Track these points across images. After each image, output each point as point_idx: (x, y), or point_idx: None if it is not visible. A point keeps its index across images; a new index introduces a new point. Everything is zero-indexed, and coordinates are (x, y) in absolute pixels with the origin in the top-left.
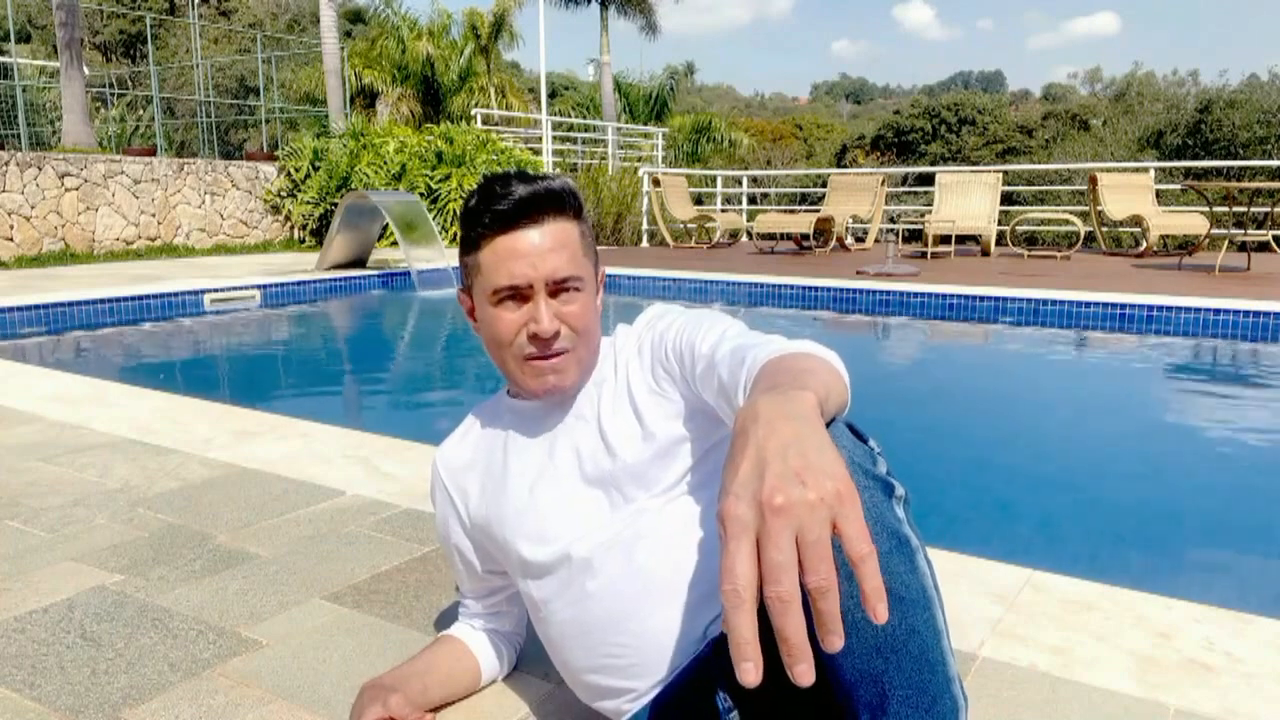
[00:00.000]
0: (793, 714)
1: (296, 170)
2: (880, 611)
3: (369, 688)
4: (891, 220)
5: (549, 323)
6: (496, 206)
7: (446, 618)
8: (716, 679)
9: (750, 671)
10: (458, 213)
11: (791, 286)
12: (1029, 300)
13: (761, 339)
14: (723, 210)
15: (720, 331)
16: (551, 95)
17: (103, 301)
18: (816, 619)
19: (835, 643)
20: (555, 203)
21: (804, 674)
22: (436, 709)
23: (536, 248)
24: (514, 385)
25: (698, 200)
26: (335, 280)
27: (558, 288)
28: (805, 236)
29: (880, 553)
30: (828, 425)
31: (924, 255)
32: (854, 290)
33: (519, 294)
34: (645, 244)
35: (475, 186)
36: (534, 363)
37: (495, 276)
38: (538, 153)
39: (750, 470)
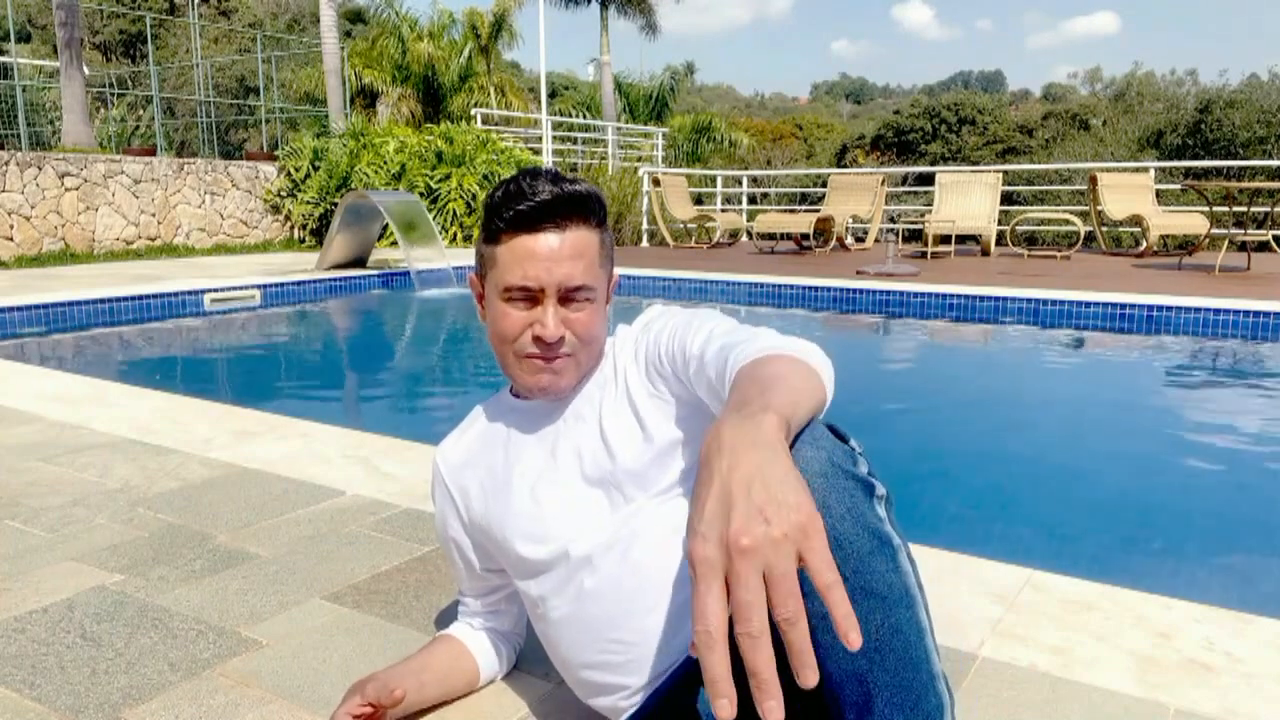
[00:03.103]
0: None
1: (296, 170)
2: (853, 639)
3: (357, 682)
4: (891, 220)
5: (554, 328)
6: (520, 205)
7: (446, 617)
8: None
9: (725, 708)
10: (458, 213)
11: (791, 286)
12: (1029, 300)
13: (747, 335)
14: (723, 210)
15: (709, 330)
16: (551, 95)
17: (103, 301)
18: (790, 652)
19: (810, 678)
20: (579, 209)
21: (773, 711)
22: (434, 707)
23: (554, 253)
24: (511, 381)
25: (698, 200)
26: (335, 280)
27: (568, 295)
28: (805, 236)
29: (862, 553)
30: (806, 427)
31: (924, 255)
32: (854, 290)
33: (529, 295)
34: (645, 244)
35: (505, 178)
36: (533, 360)
37: (508, 275)
38: (538, 152)
39: (715, 508)
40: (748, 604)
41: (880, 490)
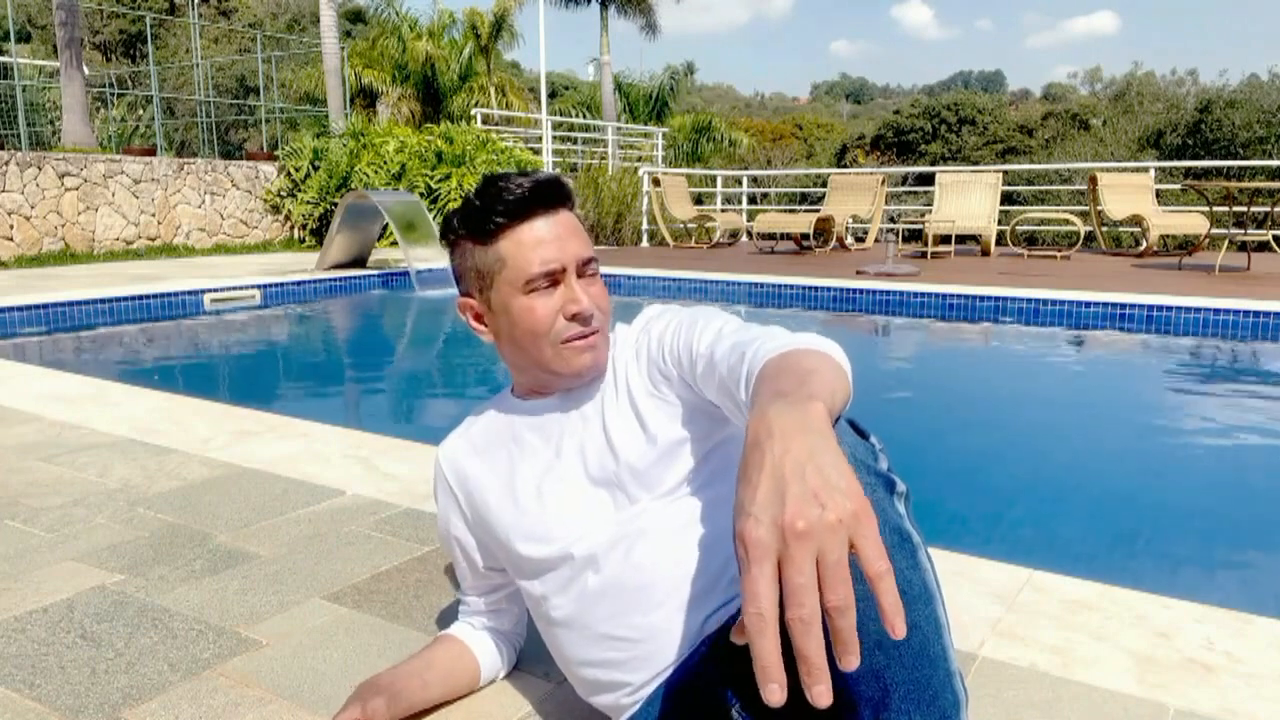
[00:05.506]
0: (798, 710)
1: (296, 170)
2: (899, 627)
3: (362, 686)
4: (891, 220)
5: (589, 300)
6: (510, 197)
7: (446, 617)
8: (718, 675)
9: (775, 692)
10: None
11: (791, 286)
12: (1029, 300)
13: (760, 333)
14: (723, 210)
15: (717, 329)
16: (552, 95)
17: (103, 301)
18: (834, 637)
19: (852, 662)
20: (560, 190)
21: (822, 695)
22: (435, 707)
23: (558, 232)
24: (548, 374)
25: (698, 200)
26: (335, 280)
27: (582, 269)
28: (805, 236)
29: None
30: (834, 422)
31: (924, 255)
32: (854, 290)
33: (552, 280)
34: (645, 244)
35: (470, 193)
36: (574, 344)
37: (526, 266)
38: (538, 152)
39: (769, 491)
40: (801, 588)
41: (900, 487)
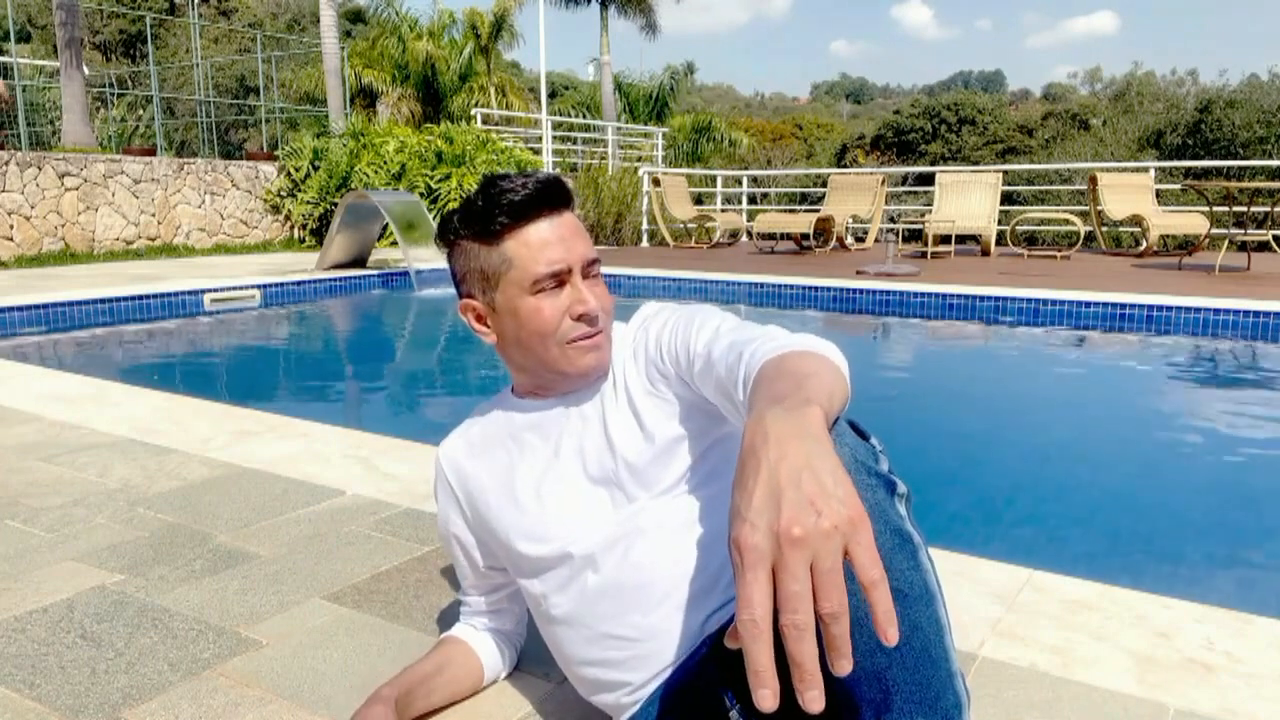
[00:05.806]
0: (797, 711)
1: (296, 170)
2: (891, 634)
3: (369, 699)
4: (891, 220)
5: (595, 301)
6: (516, 198)
7: (446, 617)
8: (717, 675)
9: (767, 698)
10: None
11: (791, 286)
12: (1029, 300)
13: (758, 332)
14: (723, 210)
15: (714, 328)
16: (552, 95)
17: (103, 301)
18: (828, 643)
19: (845, 666)
20: (563, 191)
21: (814, 700)
22: (440, 709)
23: (563, 233)
24: (553, 374)
25: (698, 200)
26: (335, 280)
27: (587, 270)
28: (805, 236)
29: (884, 550)
30: (832, 426)
31: (924, 255)
32: (854, 290)
33: (559, 280)
34: (645, 244)
35: (470, 194)
36: (580, 344)
37: (533, 266)
38: (538, 152)
39: (764, 497)
40: (796, 595)
41: (901, 488)
